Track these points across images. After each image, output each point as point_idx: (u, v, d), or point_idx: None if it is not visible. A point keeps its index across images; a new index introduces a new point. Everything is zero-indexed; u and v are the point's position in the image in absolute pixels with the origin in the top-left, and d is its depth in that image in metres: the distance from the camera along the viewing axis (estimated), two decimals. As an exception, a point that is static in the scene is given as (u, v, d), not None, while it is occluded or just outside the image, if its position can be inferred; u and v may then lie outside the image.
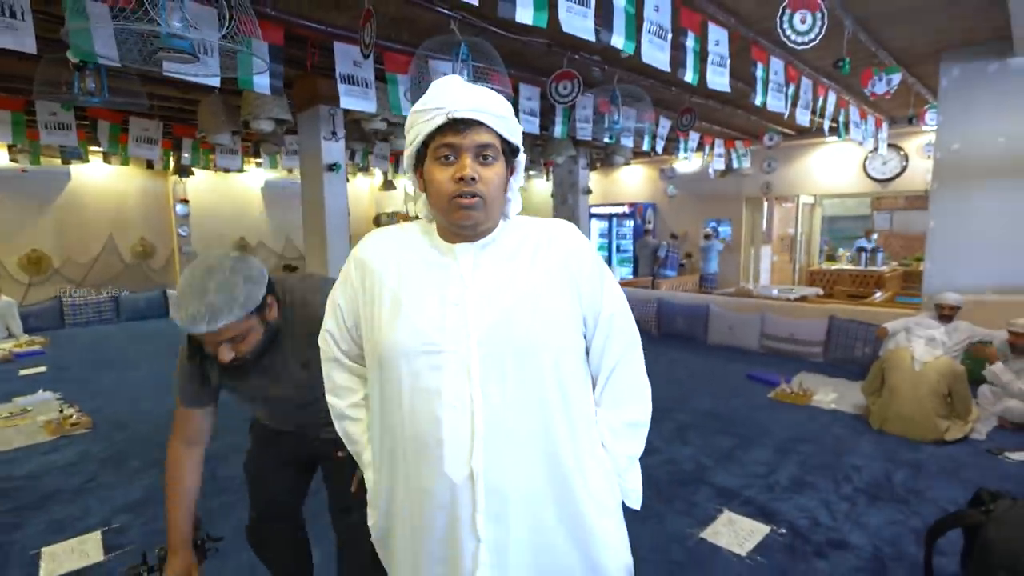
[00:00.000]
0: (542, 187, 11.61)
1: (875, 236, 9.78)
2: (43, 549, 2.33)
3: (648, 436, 1.07)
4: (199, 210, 9.18)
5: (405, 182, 10.35)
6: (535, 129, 4.67)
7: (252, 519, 1.65)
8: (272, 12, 3.01)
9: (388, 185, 9.35)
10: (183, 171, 7.57)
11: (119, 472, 3.04)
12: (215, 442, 1.49)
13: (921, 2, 3.46)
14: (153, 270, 8.89)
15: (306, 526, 1.75)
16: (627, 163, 7.55)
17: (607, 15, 2.58)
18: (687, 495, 2.70)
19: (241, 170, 7.63)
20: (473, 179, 0.88)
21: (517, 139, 0.96)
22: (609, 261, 10.76)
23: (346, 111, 4.41)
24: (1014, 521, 1.70)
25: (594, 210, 10.30)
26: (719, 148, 7.48)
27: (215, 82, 2.90)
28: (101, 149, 6.07)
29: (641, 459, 1.07)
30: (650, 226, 10.31)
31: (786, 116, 4.25)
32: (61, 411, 3.89)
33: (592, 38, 2.49)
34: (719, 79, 3.29)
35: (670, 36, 2.83)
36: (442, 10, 3.04)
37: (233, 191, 9.70)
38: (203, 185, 9.17)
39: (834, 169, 8.12)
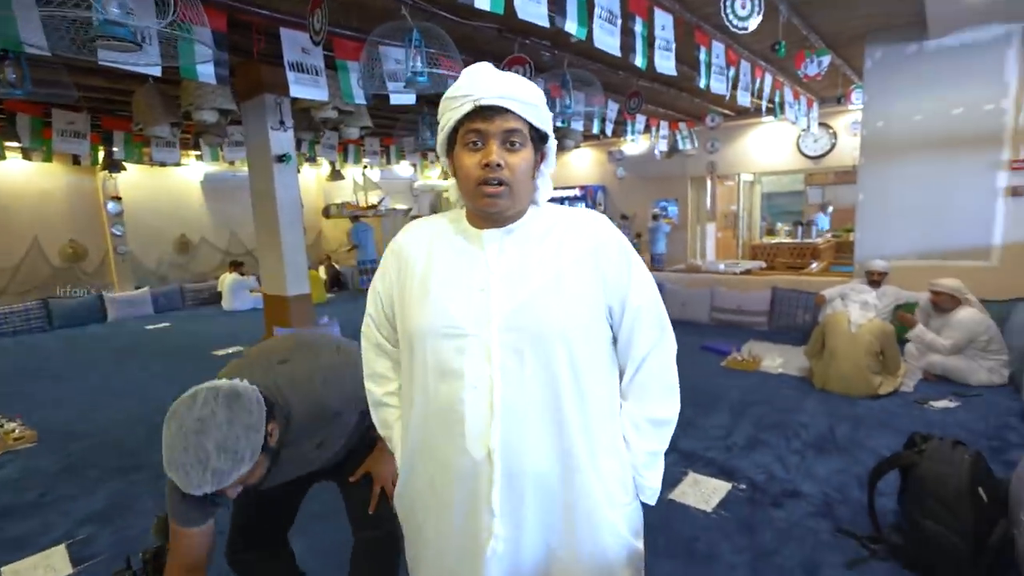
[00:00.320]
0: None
1: (831, 209, 10.41)
2: (3, 568, 2.23)
3: None
4: (133, 207, 8.65)
5: (354, 171, 10.12)
6: (488, 115, 4.68)
7: (234, 542, 1.52)
8: (215, -2, 2.90)
9: (336, 175, 9.11)
10: (113, 166, 7.10)
11: (77, 483, 2.91)
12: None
13: (847, -12, 3.70)
14: (86, 273, 8.35)
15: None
16: (577, 146, 7.67)
17: (560, 1, 2.63)
18: (654, 461, 2.85)
19: (179, 164, 7.26)
20: (499, 165, 0.90)
21: (547, 126, 0.97)
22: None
23: (293, 100, 4.29)
24: (941, 457, 1.92)
25: (546, 194, 10.39)
26: (664, 130, 7.72)
27: (156, 72, 2.77)
28: (20, 145, 5.63)
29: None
30: (601, 208, 10.53)
31: (727, 98, 4.46)
32: (2, 426, 3.65)
33: (546, 23, 2.54)
34: (666, 63, 3.41)
35: (620, 21, 2.92)
36: (393, -5, 3.01)
37: (170, 186, 9.19)
38: (136, 181, 8.63)
39: (771, 148, 8.53)
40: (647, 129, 7.44)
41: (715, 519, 2.31)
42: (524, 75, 3.90)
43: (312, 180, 11.04)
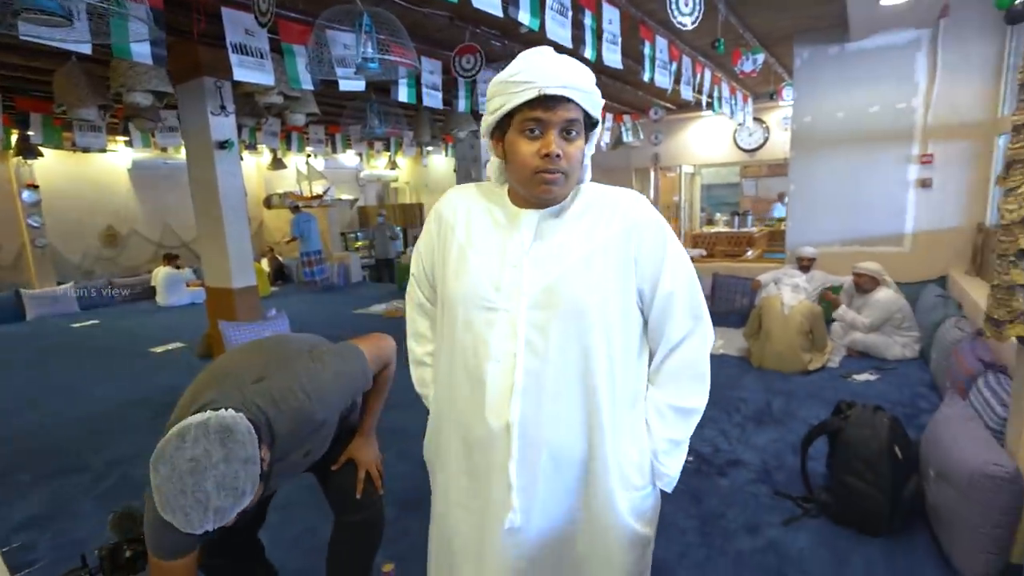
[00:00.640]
0: (440, 163, 11.54)
1: (787, 199, 10.94)
2: (-71, 581, 2.08)
3: None
4: (52, 196, 8.01)
5: (297, 160, 9.78)
6: (438, 103, 4.67)
7: (207, 548, 1.41)
8: (150, -27, 2.74)
9: (278, 164, 8.78)
10: (29, 152, 6.56)
11: (7, 489, 2.73)
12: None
13: (779, -10, 3.92)
14: (1, 268, 7.71)
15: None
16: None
17: (513, -9, 2.67)
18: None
19: (104, 150, 6.78)
20: (558, 156, 0.90)
21: (598, 112, 0.97)
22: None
23: (235, 83, 4.12)
24: (863, 421, 2.13)
25: (495, 184, 10.42)
26: (609, 122, 7.92)
27: (86, 49, 2.61)
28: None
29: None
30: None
31: (670, 92, 4.63)
32: (-88, 433, 3.36)
33: (499, 13, 2.57)
34: (612, 56, 3.52)
35: (571, 14, 2.99)
36: (343, -22, 2.94)
37: (94, 173, 8.58)
38: (55, 167, 8.00)
39: (710, 141, 8.91)
40: (594, 121, 7.59)
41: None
42: (475, 64, 3.95)
43: (253, 168, 10.59)
